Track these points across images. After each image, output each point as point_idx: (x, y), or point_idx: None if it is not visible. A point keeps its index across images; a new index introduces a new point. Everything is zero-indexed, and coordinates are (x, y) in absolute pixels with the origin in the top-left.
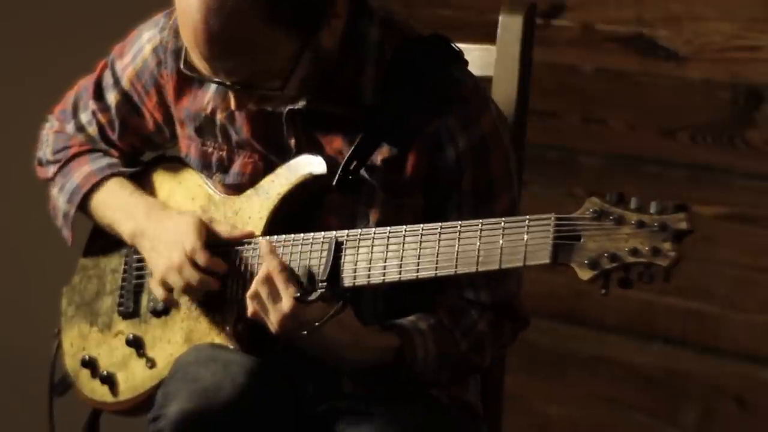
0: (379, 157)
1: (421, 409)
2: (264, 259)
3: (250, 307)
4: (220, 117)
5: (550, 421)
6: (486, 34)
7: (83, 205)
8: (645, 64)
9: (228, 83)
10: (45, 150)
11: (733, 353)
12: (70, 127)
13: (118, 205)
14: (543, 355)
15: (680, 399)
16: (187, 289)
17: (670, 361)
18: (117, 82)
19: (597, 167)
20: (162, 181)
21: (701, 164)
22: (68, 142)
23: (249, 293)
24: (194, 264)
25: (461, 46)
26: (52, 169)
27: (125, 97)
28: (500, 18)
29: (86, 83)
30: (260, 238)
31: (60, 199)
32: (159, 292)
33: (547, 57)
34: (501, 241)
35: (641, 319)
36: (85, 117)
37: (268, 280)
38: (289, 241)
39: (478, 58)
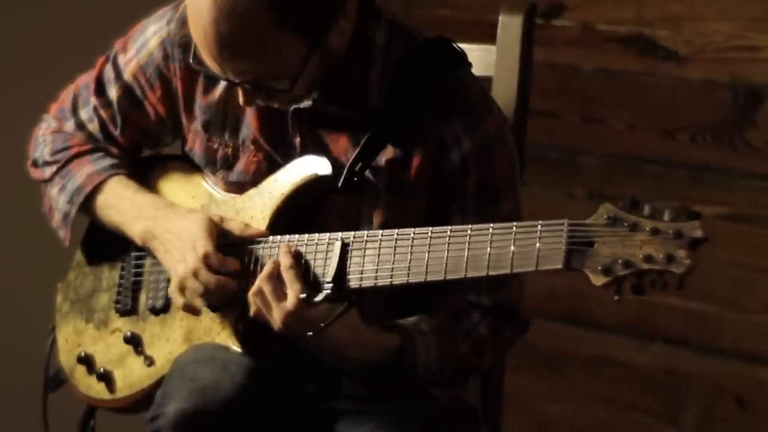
0: (383, 158)
1: (420, 409)
2: (279, 256)
3: (253, 305)
4: (230, 110)
5: (550, 421)
6: (485, 35)
7: (85, 206)
8: (645, 64)
9: (237, 82)
10: (42, 151)
11: (733, 353)
12: (69, 125)
13: (123, 206)
14: (543, 355)
15: (680, 399)
16: (206, 293)
17: (670, 361)
18: (119, 75)
19: (597, 167)
20: (163, 179)
21: (701, 164)
22: (68, 142)
23: (252, 290)
24: (209, 266)
25: (461, 46)
26: (49, 170)
27: (127, 91)
28: (500, 18)
29: (86, 80)
30: (271, 237)
31: (60, 199)
32: (178, 301)
33: (547, 57)
34: (512, 246)
35: (641, 319)
36: (85, 114)
37: (273, 278)
38: (293, 241)
39: (478, 58)
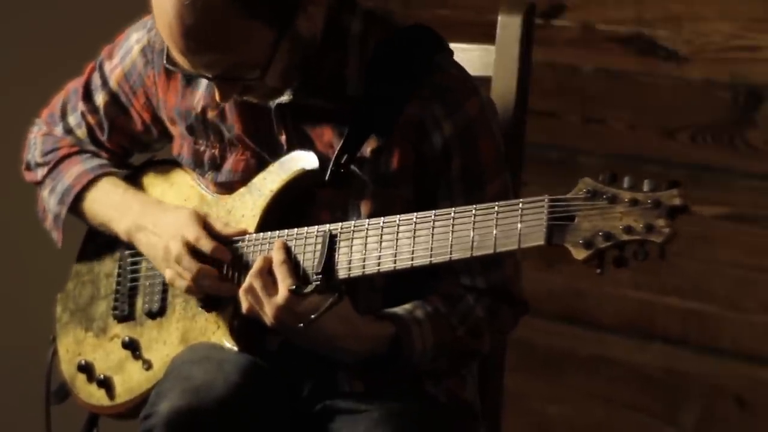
0: (368, 149)
1: (418, 408)
2: (272, 251)
3: (245, 302)
4: (211, 115)
5: (549, 421)
6: (484, 35)
7: (75, 206)
8: (645, 64)
9: (209, 76)
10: (33, 153)
11: (733, 353)
12: (58, 130)
13: (111, 203)
14: (542, 355)
15: (680, 399)
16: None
17: (670, 360)
18: (105, 83)
19: (597, 167)
20: (153, 183)
21: (701, 164)
22: (57, 144)
23: (243, 287)
24: (195, 252)
25: (460, 46)
26: (41, 172)
27: (113, 98)
28: (499, 18)
29: (75, 86)
30: (254, 234)
31: (51, 201)
32: (181, 284)
33: (547, 57)
34: (495, 225)
35: (640, 318)
36: (73, 119)
37: (263, 274)
38: (283, 236)
39: (477, 58)
